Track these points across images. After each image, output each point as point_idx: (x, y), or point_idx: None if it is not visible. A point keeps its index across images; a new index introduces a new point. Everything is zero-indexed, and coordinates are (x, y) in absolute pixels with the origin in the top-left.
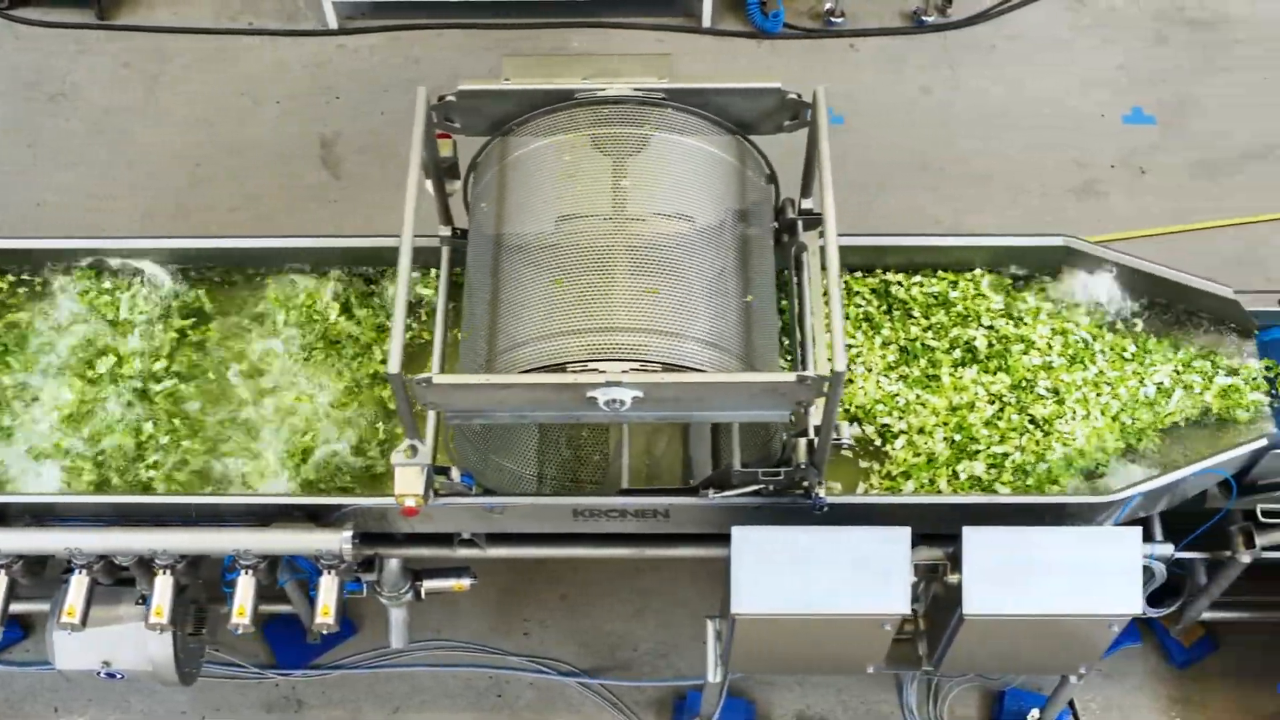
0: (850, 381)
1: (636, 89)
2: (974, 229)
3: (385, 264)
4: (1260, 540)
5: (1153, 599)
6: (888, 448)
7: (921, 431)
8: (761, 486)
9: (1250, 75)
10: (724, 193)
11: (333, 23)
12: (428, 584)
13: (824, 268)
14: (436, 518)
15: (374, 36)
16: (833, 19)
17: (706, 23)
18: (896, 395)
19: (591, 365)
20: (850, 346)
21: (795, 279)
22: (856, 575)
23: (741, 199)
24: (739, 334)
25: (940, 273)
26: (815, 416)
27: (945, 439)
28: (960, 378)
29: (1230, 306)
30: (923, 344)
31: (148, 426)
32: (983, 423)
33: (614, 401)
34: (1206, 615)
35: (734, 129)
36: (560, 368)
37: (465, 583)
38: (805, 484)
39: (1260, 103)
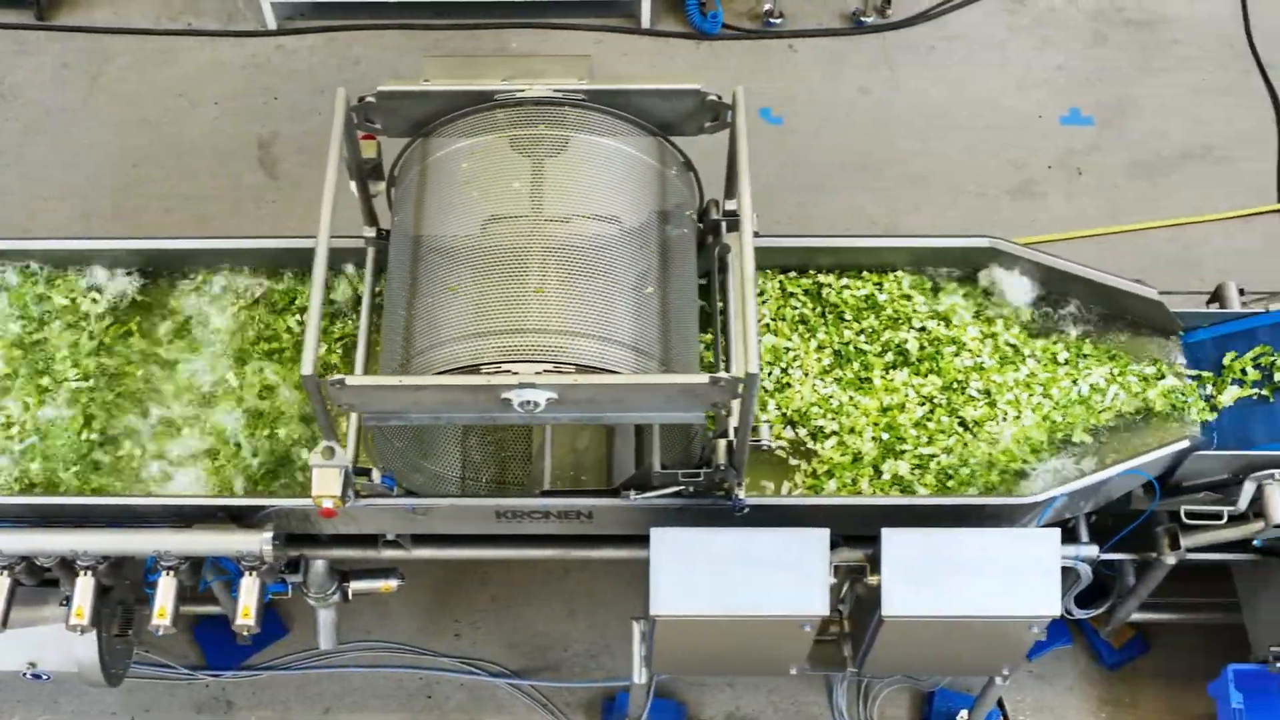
0: (787, 385)
1: (556, 90)
2: (912, 229)
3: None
4: (1185, 542)
5: (1082, 600)
6: (817, 447)
7: (852, 431)
8: (682, 488)
9: (1188, 76)
10: (644, 194)
11: (271, 23)
12: (355, 585)
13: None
14: (360, 519)
15: (313, 37)
16: (771, 20)
17: (646, 24)
18: (831, 398)
19: (505, 367)
20: (788, 349)
21: (719, 280)
22: (775, 576)
23: (662, 200)
24: (657, 335)
25: (865, 274)
26: (736, 418)
27: (874, 439)
28: (892, 380)
29: (1155, 308)
30: (856, 347)
31: (75, 426)
32: (912, 424)
33: (528, 403)
34: (1136, 616)
35: (654, 130)
36: (474, 369)
37: (393, 584)
38: (726, 485)
39: (1197, 103)
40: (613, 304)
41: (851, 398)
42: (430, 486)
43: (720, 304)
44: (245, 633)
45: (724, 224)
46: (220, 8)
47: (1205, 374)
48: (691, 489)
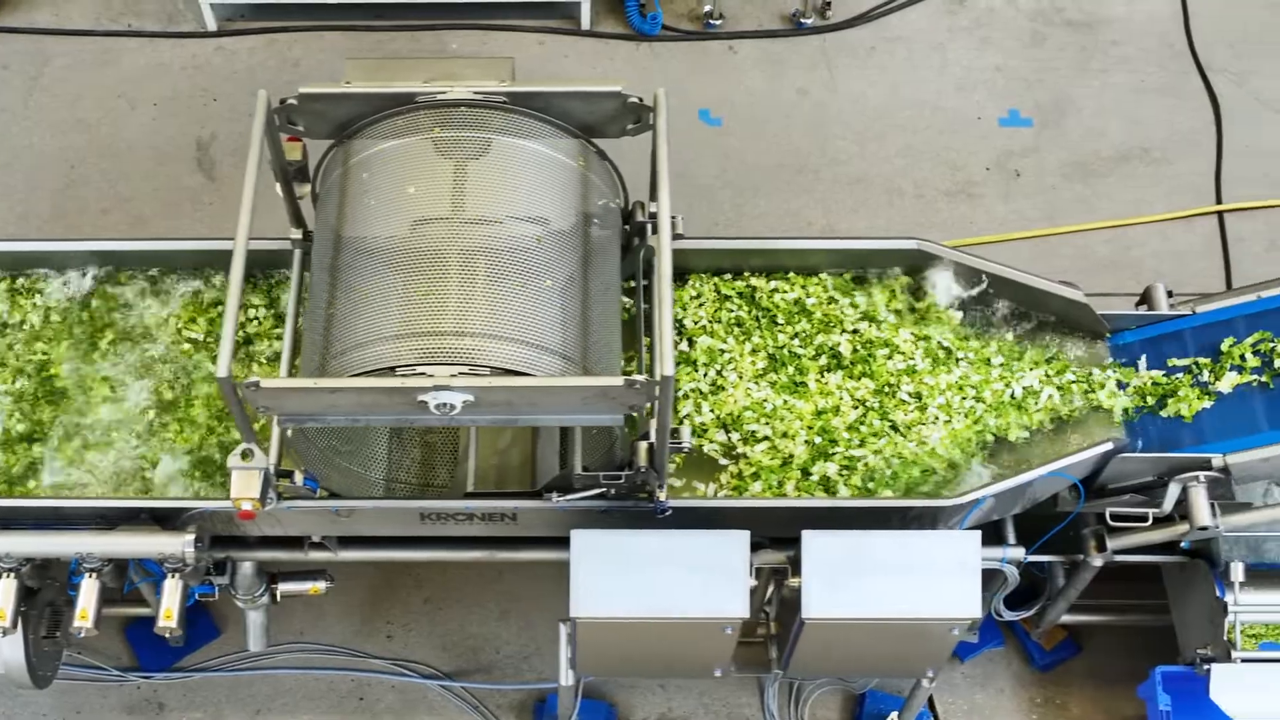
0: (721, 389)
1: (477, 92)
2: (848, 231)
3: (262, 265)
4: (1111, 544)
5: (1013, 602)
6: (747, 450)
7: (785, 435)
8: (603, 490)
9: (1127, 77)
10: (565, 196)
11: (212, 25)
12: (283, 587)
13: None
14: (284, 521)
15: (253, 39)
16: (712, 21)
17: (586, 25)
18: (765, 401)
19: (420, 369)
20: (724, 352)
21: (644, 283)
22: (696, 579)
23: (585, 202)
24: (577, 338)
25: (792, 276)
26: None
27: (807, 442)
28: (826, 383)
29: (1082, 310)
30: (790, 351)
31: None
32: (845, 427)
33: (444, 405)
34: (1067, 618)
35: (577, 132)
36: (390, 371)
37: (321, 586)
38: (648, 488)
39: (1135, 104)
40: (531, 306)
41: (786, 401)
42: (355, 489)
43: (646, 306)
44: (168, 635)
45: (649, 226)
46: (161, 9)
47: (1128, 370)
48: (613, 491)
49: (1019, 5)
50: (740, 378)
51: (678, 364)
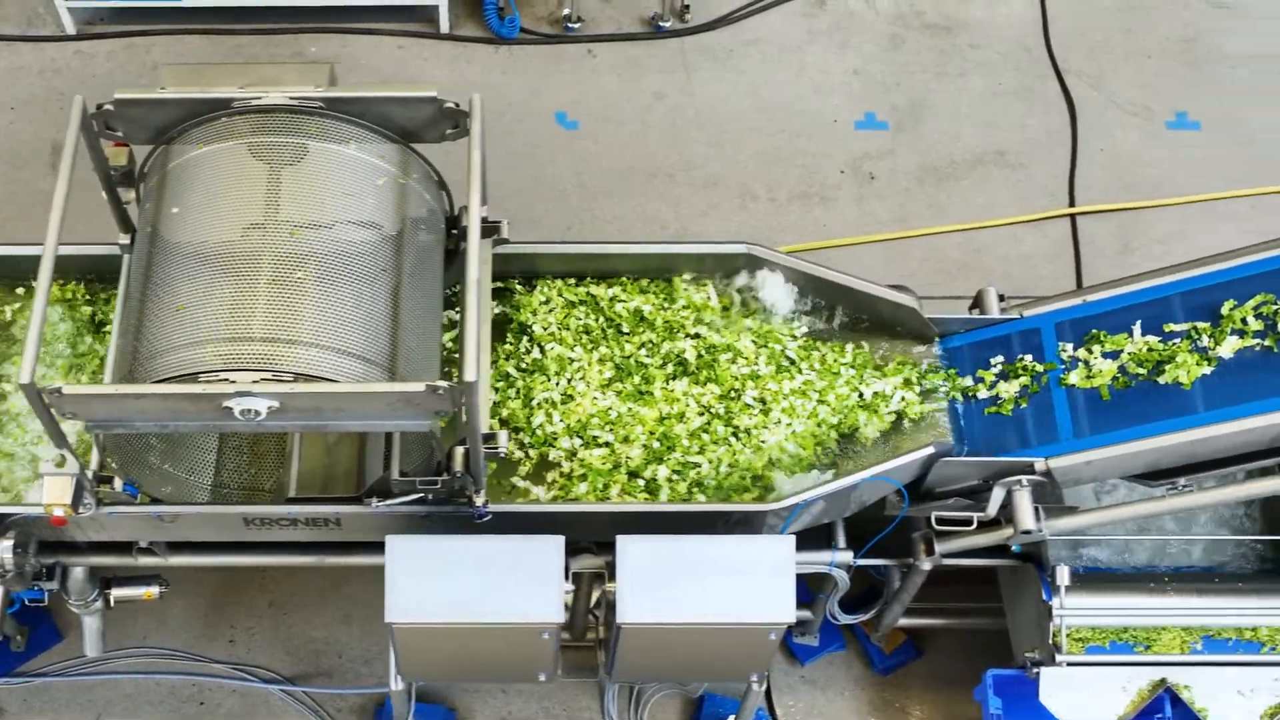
0: (570, 398)
1: (293, 98)
2: (699, 235)
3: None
4: (939, 548)
5: (852, 605)
6: (585, 454)
7: (626, 440)
8: (422, 495)
9: (984, 80)
10: (381, 202)
11: (70, 28)
12: (116, 592)
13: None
14: (109, 526)
15: (111, 42)
16: (570, 24)
17: (445, 29)
18: (610, 409)
19: (223, 375)
20: (573, 361)
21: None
22: (512, 583)
23: (402, 208)
24: (385, 343)
25: (627, 284)
26: (481, 426)
27: (644, 446)
28: (672, 390)
29: (911, 314)
30: (636, 360)
31: None
32: (688, 434)
33: (249, 411)
34: (907, 622)
35: (395, 138)
36: (194, 377)
37: (154, 591)
38: (466, 493)
39: (991, 107)
40: (339, 312)
41: (630, 409)
42: (181, 494)
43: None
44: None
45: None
46: (20, 12)
47: (953, 373)
48: (430, 496)
49: (878, 9)
50: (588, 386)
51: (530, 372)
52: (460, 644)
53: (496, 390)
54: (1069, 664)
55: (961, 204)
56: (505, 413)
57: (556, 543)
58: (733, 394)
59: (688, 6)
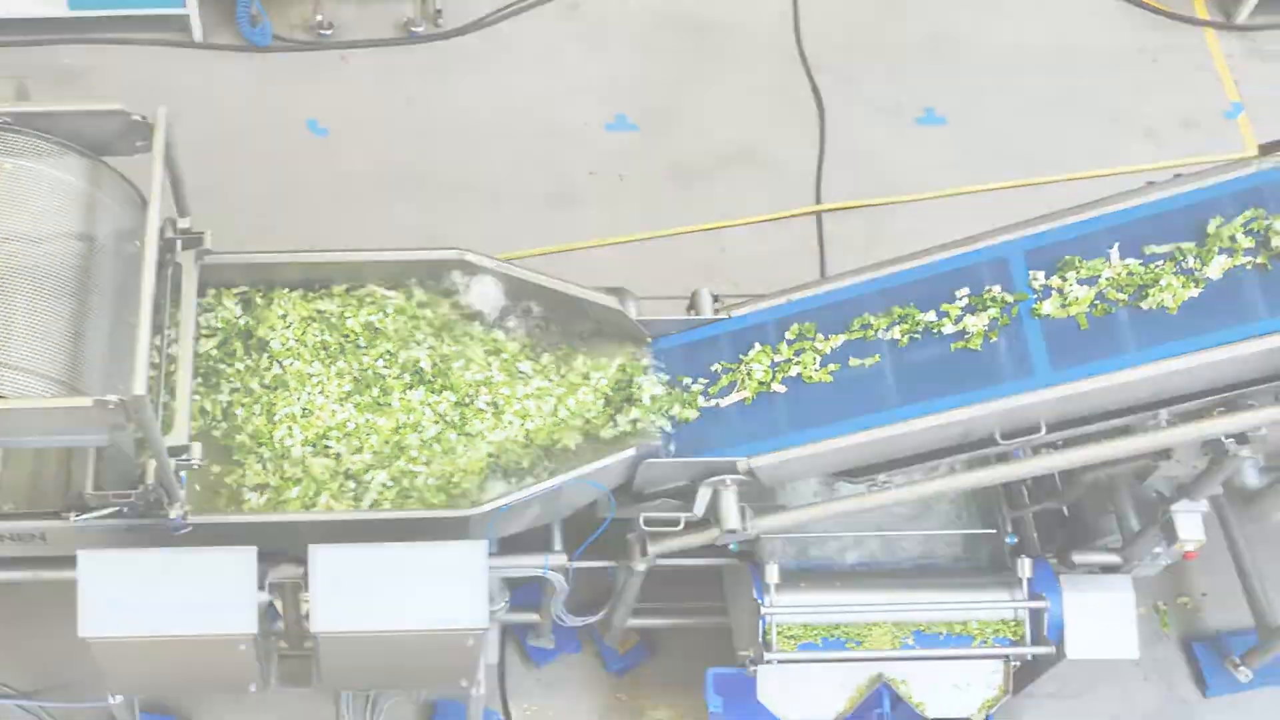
0: (309, 412)
1: None
2: (447, 240)
3: None
4: (652, 548)
5: (587, 608)
6: (309, 462)
7: (358, 450)
8: (117, 509)
9: (735, 81)
10: (69, 216)
11: None
12: None
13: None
14: None
15: None
16: (324, 31)
17: (198, 38)
18: (348, 421)
19: None
20: (311, 377)
21: (170, 299)
22: (205, 596)
23: (91, 222)
24: (64, 359)
25: (357, 297)
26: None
27: (375, 452)
28: (409, 400)
29: (619, 316)
30: (374, 372)
31: None
32: (421, 442)
33: None
34: (638, 622)
35: (86, 152)
36: None
37: None
38: (164, 505)
39: (741, 108)
40: (8, 326)
41: (369, 419)
42: None
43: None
44: None
45: (179, 242)
46: None
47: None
48: (125, 509)
49: (633, 11)
50: (327, 399)
51: (274, 388)
52: (160, 657)
53: (243, 407)
54: (781, 661)
55: (711, 203)
56: (250, 429)
57: (248, 553)
58: (466, 400)
59: (440, 11)
